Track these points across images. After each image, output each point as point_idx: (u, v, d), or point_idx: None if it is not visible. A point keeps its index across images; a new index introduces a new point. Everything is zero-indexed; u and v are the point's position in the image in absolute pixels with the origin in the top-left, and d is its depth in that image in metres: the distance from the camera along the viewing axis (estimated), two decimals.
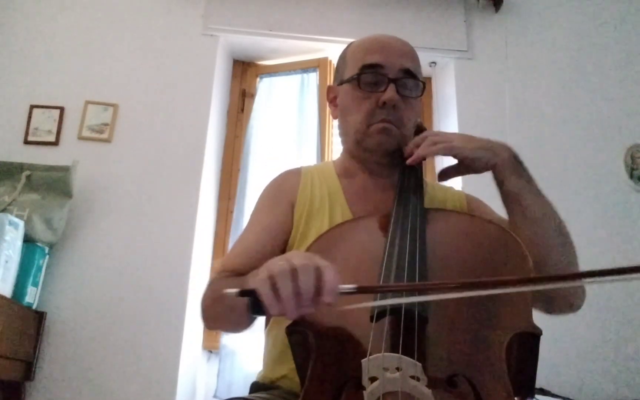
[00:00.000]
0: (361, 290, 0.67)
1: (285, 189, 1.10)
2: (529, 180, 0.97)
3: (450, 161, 0.99)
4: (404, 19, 2.52)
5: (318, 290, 0.65)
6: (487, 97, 2.44)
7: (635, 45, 2.57)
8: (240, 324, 0.95)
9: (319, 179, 1.11)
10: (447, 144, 0.96)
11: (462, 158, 0.95)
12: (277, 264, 0.67)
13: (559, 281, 0.60)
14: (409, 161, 0.98)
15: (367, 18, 2.51)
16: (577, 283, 0.58)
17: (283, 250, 1.05)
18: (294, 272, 0.65)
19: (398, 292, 0.70)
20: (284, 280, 0.65)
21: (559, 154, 2.37)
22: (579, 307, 0.98)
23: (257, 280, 0.67)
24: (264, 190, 1.14)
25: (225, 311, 0.93)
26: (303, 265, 0.66)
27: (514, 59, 2.50)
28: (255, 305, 0.66)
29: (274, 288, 0.65)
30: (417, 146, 0.98)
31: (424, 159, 0.98)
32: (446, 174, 1.02)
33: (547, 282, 0.59)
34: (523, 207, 0.93)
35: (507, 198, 0.95)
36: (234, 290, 0.67)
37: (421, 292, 0.69)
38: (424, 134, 1.00)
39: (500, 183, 0.95)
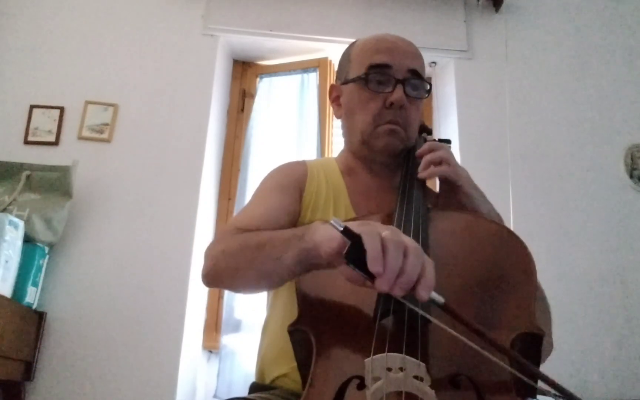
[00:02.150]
0: (446, 310, 0.64)
1: (295, 176, 1.08)
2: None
3: None
4: (404, 18, 2.52)
5: (417, 282, 0.63)
6: (487, 97, 2.44)
7: (636, 45, 2.57)
8: (272, 277, 0.85)
9: (324, 175, 1.11)
10: (453, 169, 0.98)
11: (459, 187, 0.97)
12: (388, 231, 0.64)
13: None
14: (422, 175, 0.98)
15: (367, 18, 2.51)
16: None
17: None
18: (406, 250, 0.63)
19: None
20: (396, 251, 0.62)
21: (559, 154, 2.37)
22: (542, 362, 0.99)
23: (364, 230, 0.64)
24: (272, 174, 1.12)
25: (263, 258, 0.83)
26: (415, 248, 0.64)
27: (514, 59, 2.50)
28: (353, 252, 0.63)
29: (384, 248, 0.62)
30: (430, 163, 0.99)
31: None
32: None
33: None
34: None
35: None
36: (338, 224, 0.64)
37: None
38: (440, 153, 1.00)
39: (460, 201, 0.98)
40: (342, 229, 0.64)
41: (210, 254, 0.93)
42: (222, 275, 0.91)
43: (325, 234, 0.71)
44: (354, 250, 0.64)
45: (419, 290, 0.63)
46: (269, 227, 0.91)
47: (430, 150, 1.01)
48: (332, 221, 0.66)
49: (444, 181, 0.99)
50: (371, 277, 0.63)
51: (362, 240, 0.63)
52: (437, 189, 1.10)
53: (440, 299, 0.64)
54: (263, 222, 0.95)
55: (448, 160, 0.98)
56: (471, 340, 0.62)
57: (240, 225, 0.96)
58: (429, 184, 1.06)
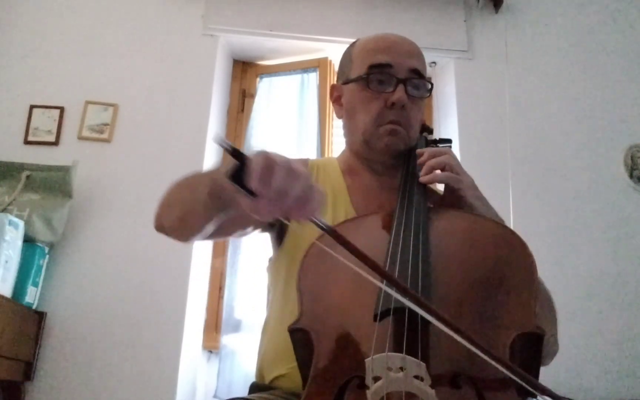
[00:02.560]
0: (332, 233, 0.63)
1: None
2: None
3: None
4: (404, 19, 2.52)
5: (300, 203, 0.63)
6: (487, 97, 2.45)
7: (636, 45, 2.57)
8: (192, 212, 0.86)
9: (324, 174, 1.11)
10: (456, 177, 0.96)
11: (462, 196, 0.95)
12: (278, 155, 0.64)
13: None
14: (423, 180, 0.97)
15: (367, 18, 2.51)
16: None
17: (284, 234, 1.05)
18: (292, 172, 0.63)
19: (401, 293, 0.69)
20: (280, 171, 0.62)
21: (559, 154, 2.38)
22: (547, 364, 0.98)
23: (253, 153, 0.63)
24: None
25: (186, 192, 0.87)
26: (302, 172, 0.64)
27: (514, 59, 2.50)
28: (237, 173, 0.62)
29: (268, 169, 0.61)
30: (432, 168, 0.98)
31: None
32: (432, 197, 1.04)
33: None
34: None
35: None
36: (226, 143, 0.62)
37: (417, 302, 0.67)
38: (444, 159, 0.99)
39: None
40: (229, 148, 0.62)
41: (158, 201, 0.96)
42: (160, 215, 0.95)
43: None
44: (238, 171, 0.62)
45: (300, 212, 0.63)
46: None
47: (433, 156, 0.99)
48: (216, 139, 0.65)
49: (447, 188, 0.98)
50: (253, 194, 0.62)
51: (248, 159, 0.62)
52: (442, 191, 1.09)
53: (325, 223, 0.63)
54: None
55: (452, 166, 0.97)
56: (472, 341, 0.62)
57: None
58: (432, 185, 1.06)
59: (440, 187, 1.06)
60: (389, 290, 0.66)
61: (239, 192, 0.63)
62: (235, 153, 0.62)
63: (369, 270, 0.62)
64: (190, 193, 0.85)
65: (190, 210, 0.86)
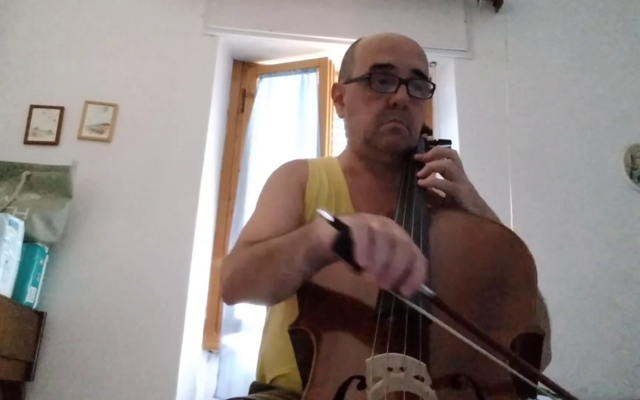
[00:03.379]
0: (436, 303, 0.65)
1: (297, 175, 1.09)
2: None
3: None
4: (404, 18, 2.52)
5: (405, 276, 0.64)
6: (487, 97, 2.44)
7: (636, 45, 2.57)
8: (286, 282, 0.85)
9: (325, 174, 1.11)
10: (455, 185, 0.96)
11: (459, 203, 0.96)
12: (378, 222, 0.65)
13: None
14: (421, 183, 0.98)
15: (367, 18, 2.51)
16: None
17: None
18: (394, 243, 0.64)
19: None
20: (384, 243, 0.63)
21: (559, 153, 2.38)
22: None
23: (354, 222, 0.64)
24: (273, 175, 1.12)
25: (274, 265, 0.84)
26: (405, 242, 0.64)
27: (514, 59, 2.50)
28: (341, 244, 0.64)
29: (372, 241, 0.63)
30: (432, 170, 0.99)
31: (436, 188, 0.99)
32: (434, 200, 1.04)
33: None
34: None
35: None
36: (327, 214, 0.64)
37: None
38: (444, 164, 0.99)
39: None
40: (331, 219, 0.65)
41: (224, 274, 0.94)
42: (238, 292, 0.93)
43: (327, 228, 0.71)
44: (342, 242, 0.64)
45: (406, 285, 0.64)
46: (277, 234, 0.90)
47: (438, 156, 1.00)
48: (319, 211, 0.67)
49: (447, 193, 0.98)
50: (359, 269, 0.64)
51: (350, 231, 0.64)
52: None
53: (430, 291, 0.64)
54: (270, 230, 0.95)
55: (450, 173, 0.97)
56: (472, 340, 0.62)
57: (248, 239, 0.97)
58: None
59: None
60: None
61: (344, 263, 0.66)
62: (337, 224, 0.65)
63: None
64: (280, 265, 0.83)
65: (283, 281, 0.84)
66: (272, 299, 0.94)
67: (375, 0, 2.54)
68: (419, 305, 0.66)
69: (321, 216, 0.65)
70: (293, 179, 1.08)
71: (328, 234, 0.69)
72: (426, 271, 0.66)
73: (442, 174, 0.98)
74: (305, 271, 0.80)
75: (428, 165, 0.99)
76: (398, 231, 0.65)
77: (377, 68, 1.05)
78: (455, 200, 0.96)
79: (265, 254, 0.86)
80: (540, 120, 2.43)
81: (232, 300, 0.95)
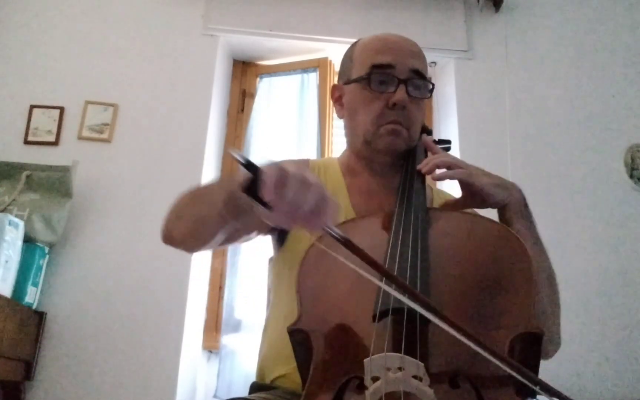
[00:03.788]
0: (344, 243, 0.64)
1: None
2: (531, 225, 0.97)
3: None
4: (404, 19, 2.52)
5: (314, 214, 0.64)
6: (487, 97, 2.44)
7: (636, 45, 2.57)
8: (205, 222, 0.87)
9: (324, 175, 1.11)
10: (465, 171, 0.94)
11: (478, 190, 0.93)
12: (292, 166, 0.65)
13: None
14: (434, 177, 0.96)
15: (367, 18, 2.51)
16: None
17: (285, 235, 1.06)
18: (305, 183, 0.64)
19: (401, 292, 0.69)
20: (294, 183, 0.63)
21: (559, 154, 2.37)
22: (550, 357, 0.97)
23: (266, 164, 0.64)
24: None
25: (199, 203, 0.89)
26: (316, 184, 0.65)
27: (514, 59, 2.50)
28: (251, 185, 0.63)
29: (281, 181, 0.63)
30: (436, 165, 0.97)
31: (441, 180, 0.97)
32: (455, 205, 1.00)
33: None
34: None
35: None
36: (240, 156, 0.63)
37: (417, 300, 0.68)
38: (443, 157, 0.98)
39: (506, 222, 0.94)
40: (242, 161, 0.64)
41: (166, 213, 0.97)
42: (170, 228, 0.96)
43: (243, 172, 0.70)
44: (253, 183, 0.64)
45: (313, 224, 0.64)
46: None
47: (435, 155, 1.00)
48: (230, 151, 0.68)
49: (462, 186, 0.95)
50: (268, 207, 0.64)
51: (260, 171, 0.63)
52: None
53: (339, 233, 0.64)
54: None
55: (450, 163, 0.96)
56: (470, 339, 0.62)
57: None
58: (429, 182, 1.06)
59: (448, 189, 1.05)
60: (389, 290, 0.66)
61: (253, 204, 0.65)
62: (248, 165, 0.64)
63: (377, 275, 0.63)
64: (203, 204, 0.87)
65: (203, 221, 0.87)
66: (193, 239, 0.95)
67: (376, 0, 2.54)
68: (418, 308, 0.66)
69: (233, 157, 0.64)
70: None
71: (242, 176, 0.69)
72: (336, 213, 0.66)
73: (448, 168, 0.96)
74: (224, 215, 0.80)
75: (433, 162, 0.97)
76: (311, 175, 0.65)
77: (376, 68, 1.05)
78: (474, 188, 0.92)
79: (196, 191, 0.90)
80: (540, 120, 2.42)
81: (165, 236, 0.99)
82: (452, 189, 1.07)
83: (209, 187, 0.91)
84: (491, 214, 0.94)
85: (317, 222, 0.65)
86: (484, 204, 0.95)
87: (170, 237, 0.98)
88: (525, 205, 0.98)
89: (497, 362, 0.60)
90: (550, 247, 2.29)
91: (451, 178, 0.94)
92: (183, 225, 0.93)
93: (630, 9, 2.63)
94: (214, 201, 0.81)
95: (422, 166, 0.98)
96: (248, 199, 0.65)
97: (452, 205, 1.01)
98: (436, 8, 2.55)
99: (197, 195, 0.91)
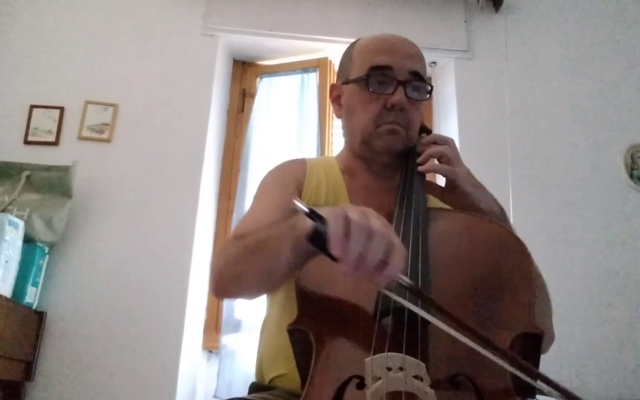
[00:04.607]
0: (413, 291, 0.65)
1: (293, 174, 1.09)
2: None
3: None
4: (404, 18, 2.52)
5: (381, 266, 0.63)
6: (487, 97, 2.44)
7: (636, 45, 2.57)
8: (273, 274, 0.85)
9: (324, 174, 1.11)
10: (451, 170, 0.98)
11: (457, 186, 0.97)
12: (356, 212, 0.64)
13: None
14: (421, 169, 1.00)
15: (367, 18, 2.51)
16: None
17: None
18: (370, 234, 0.62)
19: (402, 293, 0.69)
20: (360, 234, 0.62)
21: (559, 153, 2.37)
22: (545, 351, 0.98)
23: (330, 213, 0.64)
24: (270, 173, 1.13)
25: (262, 257, 0.84)
26: (382, 233, 0.63)
27: (514, 59, 2.50)
28: (317, 235, 0.63)
29: (347, 232, 0.62)
30: (430, 156, 1.01)
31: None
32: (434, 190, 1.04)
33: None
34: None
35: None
36: (303, 205, 0.63)
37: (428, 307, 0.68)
38: (441, 149, 1.01)
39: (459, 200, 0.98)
40: (306, 211, 0.64)
41: (214, 268, 0.93)
42: (228, 285, 0.93)
43: (307, 220, 0.70)
44: (318, 233, 0.64)
45: (381, 278, 0.63)
46: None
47: (434, 143, 1.03)
48: (294, 201, 0.66)
49: (446, 179, 1.00)
50: (336, 260, 0.63)
51: (326, 222, 0.63)
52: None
53: (407, 281, 0.64)
54: (261, 224, 0.94)
55: (448, 158, 0.99)
56: (468, 337, 0.62)
57: (240, 233, 0.96)
58: (431, 177, 1.07)
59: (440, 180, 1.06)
60: (391, 295, 0.66)
61: (320, 254, 0.65)
62: (313, 215, 0.64)
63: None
64: (267, 257, 0.83)
65: (269, 274, 0.85)
66: (260, 292, 0.95)
67: (375, 0, 2.54)
68: (417, 306, 0.66)
69: (296, 207, 0.65)
70: (289, 177, 1.08)
71: (306, 226, 0.69)
72: (404, 261, 0.65)
73: (439, 159, 1.00)
74: (292, 264, 0.79)
75: (427, 151, 1.01)
76: (376, 222, 0.64)
77: (375, 70, 1.05)
78: (454, 184, 0.97)
79: (254, 245, 0.86)
80: (540, 120, 2.42)
81: (222, 293, 0.96)
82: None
83: (267, 238, 0.84)
84: None
85: (386, 275, 0.64)
86: (459, 202, 0.98)
87: (228, 294, 0.97)
88: (503, 214, 1.01)
89: (501, 362, 0.60)
90: (550, 246, 2.30)
91: (438, 172, 1.00)
92: (246, 283, 0.90)
93: (630, 9, 2.63)
94: (279, 252, 0.78)
95: (421, 167, 1.01)
96: (314, 249, 0.65)
97: (438, 191, 1.03)
98: (436, 8, 2.55)
99: (256, 248, 0.85)
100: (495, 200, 1.00)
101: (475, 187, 0.99)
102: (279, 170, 1.13)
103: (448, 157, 0.99)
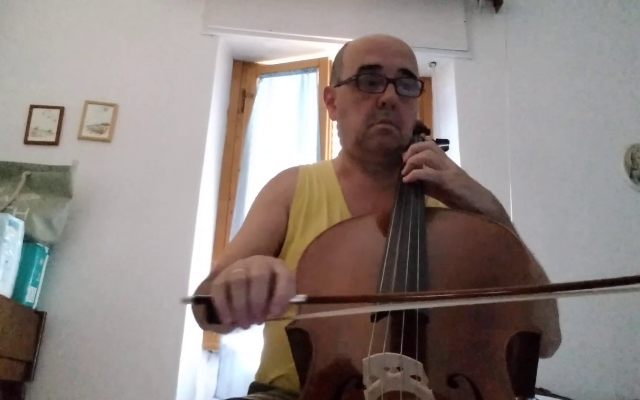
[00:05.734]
0: (311, 301, 0.65)
1: (280, 189, 1.11)
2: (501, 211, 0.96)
3: None
4: (404, 19, 2.52)
5: (269, 301, 0.63)
6: (487, 97, 2.44)
7: (635, 45, 2.57)
8: (221, 329, 0.90)
9: (317, 179, 1.12)
10: (436, 174, 0.93)
11: (447, 190, 0.92)
12: (235, 270, 0.65)
13: (553, 292, 0.60)
14: (405, 180, 0.95)
15: (367, 18, 2.51)
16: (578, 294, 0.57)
17: (278, 250, 1.06)
18: (248, 283, 0.63)
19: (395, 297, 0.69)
20: (238, 290, 0.63)
21: (559, 153, 2.37)
22: (550, 355, 0.96)
23: (214, 287, 0.65)
24: (261, 191, 1.15)
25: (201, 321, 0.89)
26: (258, 276, 0.63)
27: (514, 59, 2.50)
28: (210, 313, 0.64)
29: (228, 296, 0.63)
30: (413, 165, 0.96)
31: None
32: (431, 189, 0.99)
33: (538, 292, 0.59)
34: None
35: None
36: (189, 297, 0.68)
37: (407, 300, 0.68)
38: (422, 155, 0.96)
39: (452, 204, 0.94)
40: (191, 301, 0.68)
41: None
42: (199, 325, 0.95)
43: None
44: (211, 313, 0.65)
45: (271, 309, 0.63)
46: (250, 253, 0.87)
47: (413, 152, 0.97)
48: (181, 300, 0.70)
49: (432, 185, 0.94)
50: (235, 324, 0.65)
51: (211, 300, 0.64)
52: None
53: (300, 298, 0.64)
54: (243, 250, 0.98)
55: (432, 162, 0.95)
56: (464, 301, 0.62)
57: (224, 260, 1.00)
58: None
59: None
60: (385, 307, 0.66)
61: (222, 328, 0.68)
62: (198, 301, 0.67)
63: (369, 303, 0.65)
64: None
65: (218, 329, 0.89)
66: (225, 333, 1.00)
67: (375, 0, 2.54)
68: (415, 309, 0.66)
69: (183, 302, 0.69)
70: (277, 194, 1.10)
71: (202, 310, 0.69)
72: (289, 283, 0.64)
73: (425, 164, 0.95)
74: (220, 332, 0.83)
75: (409, 161, 0.96)
76: (253, 266, 0.65)
77: (365, 69, 1.06)
78: (443, 188, 0.92)
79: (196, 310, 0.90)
80: (540, 120, 2.42)
81: (203, 329, 0.98)
82: None
83: (197, 311, 0.89)
84: None
85: (276, 308, 0.64)
86: (453, 205, 0.94)
87: (204, 328, 0.99)
88: (502, 212, 0.95)
89: (506, 299, 0.59)
90: (550, 246, 2.30)
91: (424, 179, 0.94)
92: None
93: (630, 9, 2.63)
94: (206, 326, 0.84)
95: (405, 178, 0.95)
96: (213, 328, 0.68)
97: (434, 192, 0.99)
98: (436, 8, 2.55)
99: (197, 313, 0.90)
100: (493, 198, 0.96)
101: (467, 187, 0.93)
102: (268, 188, 1.15)
103: (432, 161, 0.95)
